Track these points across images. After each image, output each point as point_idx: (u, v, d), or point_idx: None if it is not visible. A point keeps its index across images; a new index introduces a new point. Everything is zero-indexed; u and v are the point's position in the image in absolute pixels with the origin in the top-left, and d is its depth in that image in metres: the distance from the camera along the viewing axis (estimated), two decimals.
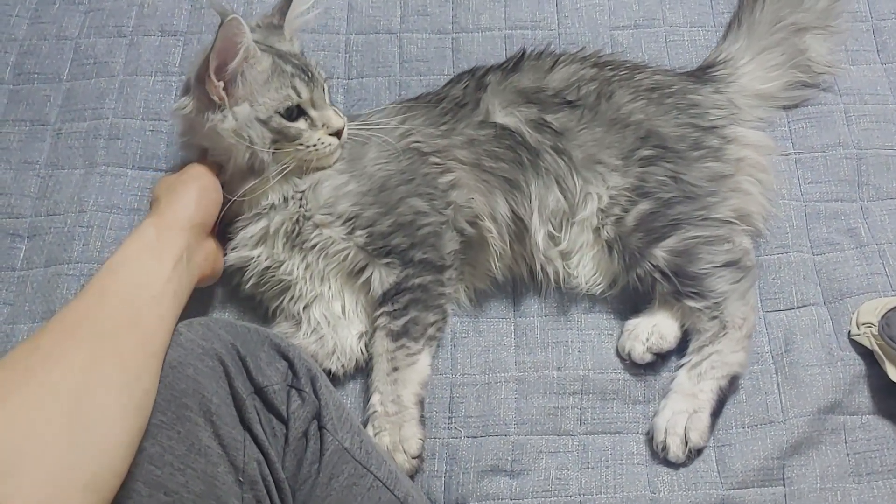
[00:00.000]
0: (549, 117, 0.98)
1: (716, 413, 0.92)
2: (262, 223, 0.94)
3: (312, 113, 0.92)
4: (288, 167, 0.92)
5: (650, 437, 0.93)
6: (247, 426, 0.74)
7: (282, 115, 0.90)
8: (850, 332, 0.97)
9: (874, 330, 0.94)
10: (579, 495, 0.91)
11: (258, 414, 0.75)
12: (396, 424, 0.91)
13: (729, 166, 0.99)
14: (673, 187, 0.96)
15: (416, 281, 0.93)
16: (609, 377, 0.97)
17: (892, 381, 0.91)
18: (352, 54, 1.19)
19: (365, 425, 0.92)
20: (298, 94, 0.91)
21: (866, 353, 0.96)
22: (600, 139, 0.98)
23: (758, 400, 0.95)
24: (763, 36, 1.08)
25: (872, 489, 0.90)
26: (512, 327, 1.00)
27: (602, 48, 1.12)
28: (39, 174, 1.11)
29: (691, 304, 0.94)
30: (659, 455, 0.92)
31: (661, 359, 0.96)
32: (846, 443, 0.92)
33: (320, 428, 0.78)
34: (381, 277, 0.94)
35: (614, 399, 0.95)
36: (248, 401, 0.75)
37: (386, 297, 0.94)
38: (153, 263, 0.79)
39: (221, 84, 0.87)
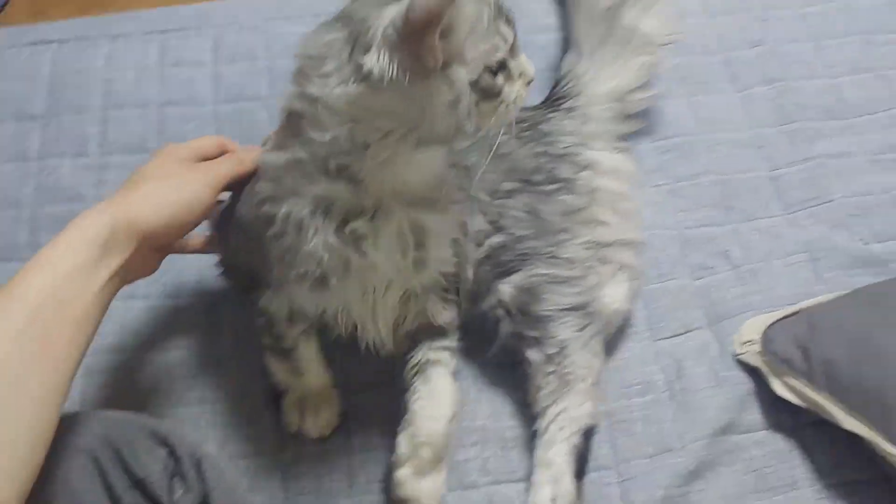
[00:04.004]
0: None
1: (580, 473, 0.89)
2: None
3: (510, 62, 0.72)
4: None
5: None
6: None
7: (490, 71, 0.70)
8: (734, 351, 1.00)
9: (757, 347, 0.97)
10: None
11: None
12: None
13: (582, 199, 0.98)
14: (527, 223, 0.94)
15: None
16: (506, 424, 0.95)
17: (778, 396, 0.94)
18: (221, 123, 1.17)
19: None
20: (505, 41, 0.71)
21: (752, 371, 0.98)
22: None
23: (655, 429, 0.95)
24: (589, 34, 1.09)
25: None
26: None
27: None
28: None
29: (531, 354, 0.91)
30: None
31: None
32: (743, 461, 0.93)
33: None
34: None
35: (514, 447, 0.94)
36: (126, 497, 0.70)
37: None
38: (88, 274, 0.67)
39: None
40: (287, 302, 0.87)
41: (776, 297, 1.04)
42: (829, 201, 1.12)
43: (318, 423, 0.93)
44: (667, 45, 1.12)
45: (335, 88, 0.67)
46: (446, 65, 0.66)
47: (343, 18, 0.69)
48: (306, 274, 0.78)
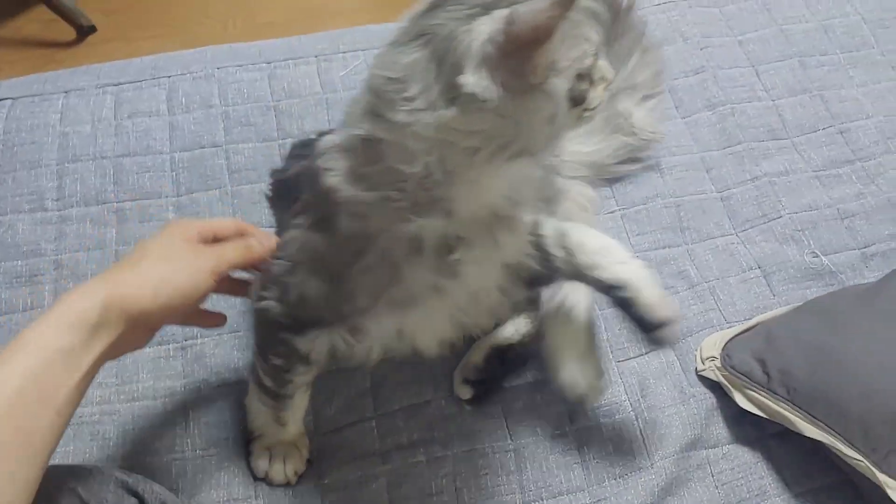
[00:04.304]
0: None
1: None
2: None
3: (593, 66, 0.67)
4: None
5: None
6: None
7: (578, 77, 0.66)
8: (696, 368, 1.02)
9: (717, 363, 0.99)
10: None
11: None
12: None
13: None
14: None
15: None
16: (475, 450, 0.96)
17: (742, 409, 0.96)
18: (178, 171, 1.17)
19: None
20: (592, 44, 0.66)
21: (715, 386, 1.00)
22: None
23: (624, 449, 0.96)
24: None
25: None
26: (374, 424, 0.98)
27: None
28: None
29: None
30: None
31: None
32: (713, 475, 0.95)
33: None
34: None
35: (486, 474, 0.94)
36: None
37: None
38: (72, 359, 0.63)
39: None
40: (330, 340, 0.82)
41: (734, 313, 1.07)
42: (778, 218, 1.16)
43: (285, 470, 0.92)
44: (652, 140, 1.18)
45: (423, 114, 0.62)
46: (542, 79, 0.62)
47: (421, 36, 0.63)
48: (395, 299, 0.76)
